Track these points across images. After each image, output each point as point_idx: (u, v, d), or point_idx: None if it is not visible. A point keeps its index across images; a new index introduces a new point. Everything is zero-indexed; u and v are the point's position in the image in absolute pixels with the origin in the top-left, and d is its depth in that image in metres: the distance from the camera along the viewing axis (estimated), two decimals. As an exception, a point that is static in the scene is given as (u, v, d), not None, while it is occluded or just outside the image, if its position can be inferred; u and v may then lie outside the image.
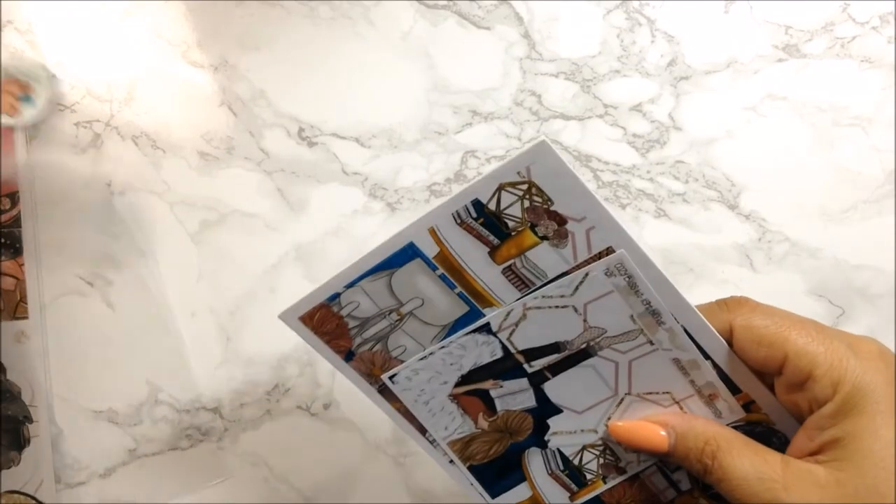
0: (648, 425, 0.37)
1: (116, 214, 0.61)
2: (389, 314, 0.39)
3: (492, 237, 0.37)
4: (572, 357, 0.38)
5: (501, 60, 0.59)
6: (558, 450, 0.40)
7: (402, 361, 0.40)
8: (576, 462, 0.40)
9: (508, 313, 0.38)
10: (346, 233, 0.60)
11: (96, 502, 0.61)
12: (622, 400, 0.39)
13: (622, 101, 0.58)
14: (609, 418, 0.39)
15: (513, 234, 0.36)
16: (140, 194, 0.61)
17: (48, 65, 0.60)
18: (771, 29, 0.57)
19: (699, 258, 0.58)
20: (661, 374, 0.38)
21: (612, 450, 0.40)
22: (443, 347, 0.39)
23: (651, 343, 0.37)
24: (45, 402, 0.61)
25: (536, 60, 0.59)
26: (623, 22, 0.58)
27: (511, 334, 0.38)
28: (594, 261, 0.36)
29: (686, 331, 0.37)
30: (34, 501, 0.60)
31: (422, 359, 0.39)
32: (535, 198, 0.35)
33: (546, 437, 0.40)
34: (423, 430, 0.41)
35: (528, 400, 0.40)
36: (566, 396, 0.39)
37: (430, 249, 0.37)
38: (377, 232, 0.60)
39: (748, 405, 0.38)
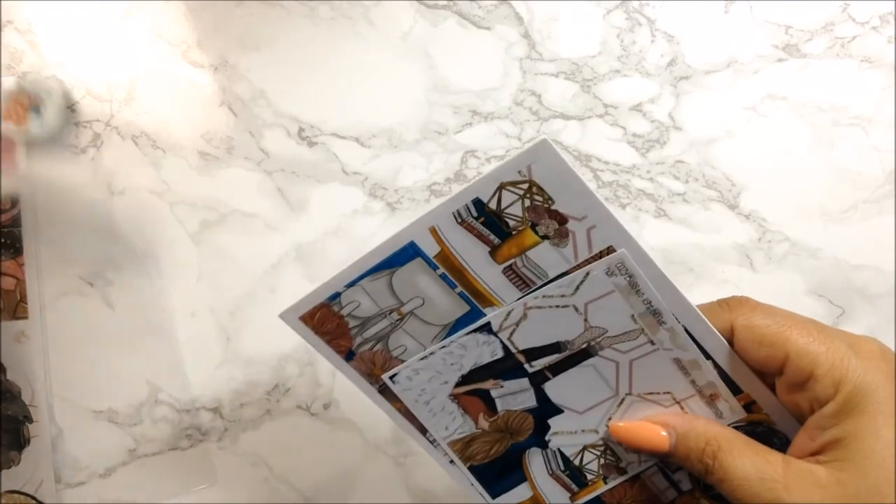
0: (649, 425, 0.37)
1: (116, 214, 0.61)
2: (390, 314, 0.39)
3: (492, 236, 0.37)
4: (573, 357, 0.38)
5: (501, 60, 0.59)
6: (559, 450, 0.40)
7: (403, 361, 0.39)
8: (576, 462, 0.40)
9: (509, 313, 0.38)
10: (346, 233, 0.60)
11: (96, 502, 0.61)
12: (623, 400, 0.39)
13: (622, 100, 0.58)
14: (610, 418, 0.39)
15: (513, 233, 0.36)
16: (140, 194, 0.61)
17: (67, 84, 0.60)
18: (771, 29, 0.57)
19: (699, 258, 0.58)
20: (661, 374, 0.38)
21: (613, 450, 0.40)
22: (443, 347, 0.39)
23: (652, 343, 0.37)
24: (45, 402, 0.61)
25: (536, 60, 0.59)
26: (623, 22, 0.58)
27: (512, 334, 0.38)
28: (595, 260, 0.36)
29: (687, 330, 0.37)
30: (34, 501, 0.60)
31: (422, 358, 0.39)
32: (536, 197, 0.35)
33: (547, 438, 0.40)
34: (423, 430, 0.41)
35: (529, 400, 0.39)
36: (567, 396, 0.39)
37: (431, 249, 0.37)
38: (377, 232, 0.60)
39: (749, 405, 0.38)
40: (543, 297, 0.37)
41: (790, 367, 0.34)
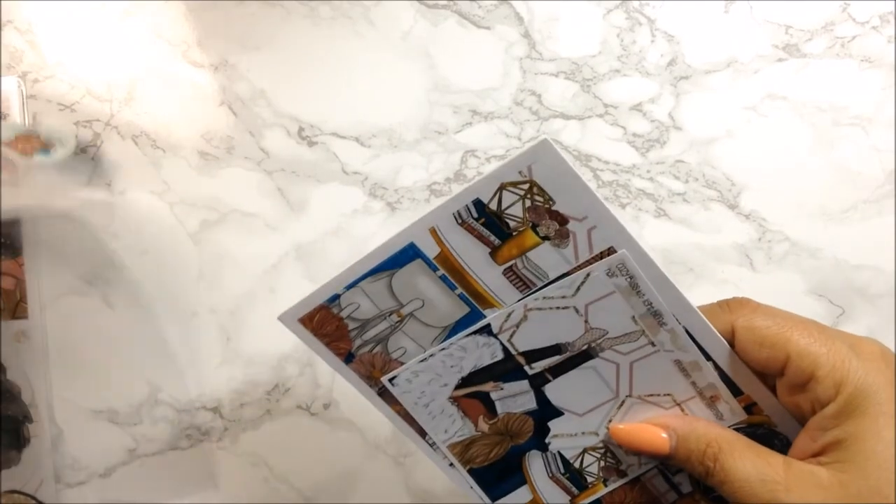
0: (650, 428, 0.37)
1: (116, 214, 0.61)
2: (390, 315, 0.39)
3: (493, 237, 0.37)
4: (573, 359, 0.38)
5: (501, 60, 0.59)
6: (559, 452, 0.40)
7: (403, 363, 0.39)
8: (576, 465, 0.40)
9: (509, 314, 0.38)
10: (346, 232, 0.60)
11: (96, 502, 0.61)
12: (623, 402, 0.39)
13: (622, 100, 0.58)
14: (610, 420, 0.39)
15: (514, 234, 0.36)
16: (140, 194, 0.61)
17: (78, 137, 0.60)
18: (771, 29, 0.57)
19: (699, 258, 0.58)
20: (662, 376, 0.38)
21: (613, 452, 0.40)
22: (443, 349, 0.39)
23: (652, 344, 0.37)
24: (45, 402, 0.61)
25: (536, 60, 0.59)
26: (623, 22, 0.58)
27: (512, 336, 0.38)
28: (596, 261, 0.36)
29: (688, 332, 0.36)
30: (34, 501, 0.60)
31: (422, 361, 0.39)
32: (537, 197, 0.35)
33: (547, 440, 0.40)
34: (423, 433, 0.41)
35: (529, 402, 0.39)
36: (567, 398, 0.39)
37: (431, 250, 0.37)
38: (377, 231, 0.60)
39: (750, 407, 0.37)
40: (544, 298, 0.37)
41: (791, 369, 0.34)
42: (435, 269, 0.37)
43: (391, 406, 0.40)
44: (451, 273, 0.37)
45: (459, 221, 0.36)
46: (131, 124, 0.61)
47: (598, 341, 0.38)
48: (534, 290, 0.37)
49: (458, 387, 0.39)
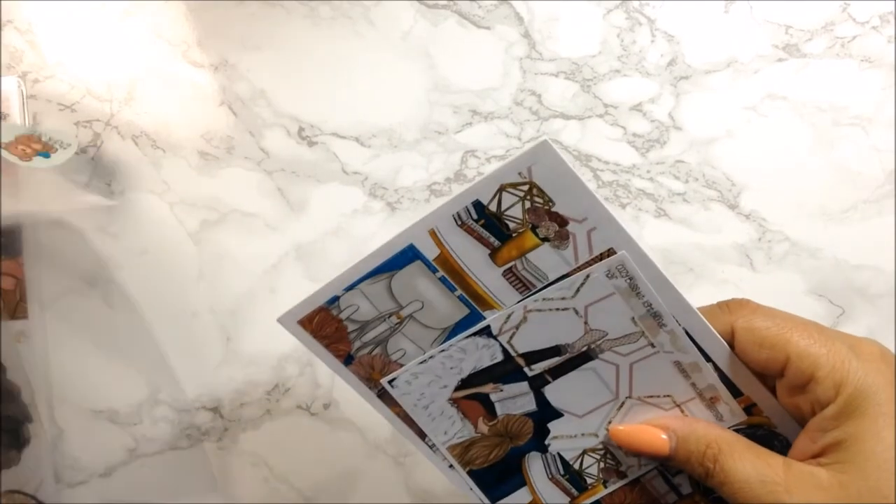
0: (649, 429, 0.37)
1: (116, 214, 0.61)
2: (389, 317, 0.39)
3: (492, 239, 0.36)
4: (573, 360, 0.38)
5: (501, 60, 0.59)
6: (559, 454, 0.40)
7: (402, 365, 0.39)
8: (576, 466, 0.40)
9: (509, 316, 0.38)
10: (346, 232, 0.60)
11: (96, 502, 0.61)
12: (623, 403, 0.39)
13: (622, 100, 0.58)
14: (610, 422, 0.39)
15: (514, 235, 0.36)
16: (140, 194, 0.61)
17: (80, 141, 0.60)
18: (771, 29, 0.57)
19: (699, 258, 0.58)
20: (662, 377, 0.38)
21: (613, 454, 0.40)
22: (443, 351, 0.39)
23: (652, 345, 0.37)
24: (45, 402, 0.61)
25: (536, 60, 0.59)
26: (623, 22, 0.58)
27: (511, 337, 0.38)
28: (595, 262, 0.36)
29: (687, 333, 0.36)
30: (34, 501, 0.60)
31: (421, 362, 0.39)
32: (537, 199, 0.35)
33: (546, 442, 0.40)
34: (422, 435, 0.41)
35: (529, 404, 0.39)
36: (567, 400, 0.39)
37: (431, 251, 0.37)
38: (377, 232, 0.60)
39: (749, 408, 0.37)
40: (543, 299, 0.37)
41: (791, 370, 0.34)
42: (434, 271, 0.37)
43: (391, 408, 0.40)
44: (451, 274, 0.37)
45: (459, 223, 0.36)
46: (131, 124, 0.61)
47: (598, 343, 0.38)
48: (533, 291, 0.37)
49: (457, 388, 0.39)
